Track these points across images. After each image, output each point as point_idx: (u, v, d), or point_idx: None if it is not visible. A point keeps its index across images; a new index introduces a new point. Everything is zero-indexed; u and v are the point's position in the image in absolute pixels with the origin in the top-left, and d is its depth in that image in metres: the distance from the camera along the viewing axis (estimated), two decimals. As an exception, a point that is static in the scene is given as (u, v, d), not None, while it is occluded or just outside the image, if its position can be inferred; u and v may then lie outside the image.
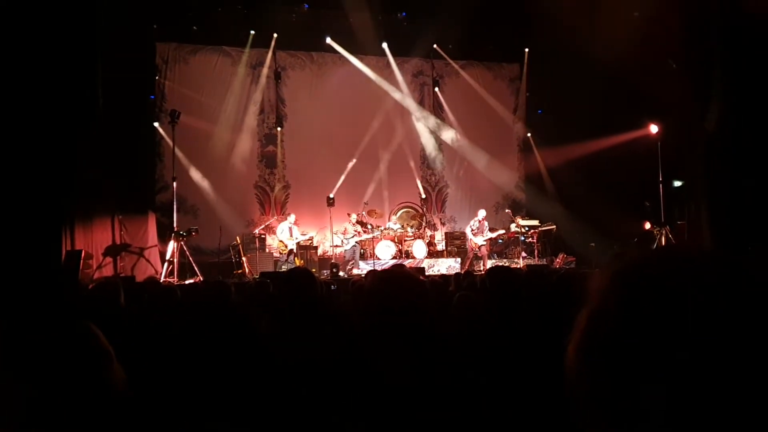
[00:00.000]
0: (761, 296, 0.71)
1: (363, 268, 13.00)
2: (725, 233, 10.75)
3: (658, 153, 12.28)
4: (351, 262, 13.78)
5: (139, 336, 3.21)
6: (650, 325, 0.71)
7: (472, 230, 14.08)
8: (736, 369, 0.68)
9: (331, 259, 13.92)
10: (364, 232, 13.81)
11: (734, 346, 0.68)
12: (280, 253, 13.34)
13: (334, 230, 14.27)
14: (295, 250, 13.33)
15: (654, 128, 12.56)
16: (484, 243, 14.00)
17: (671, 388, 0.69)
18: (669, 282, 0.73)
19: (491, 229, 14.32)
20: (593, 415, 0.75)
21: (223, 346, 1.71)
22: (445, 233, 15.61)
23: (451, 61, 16.55)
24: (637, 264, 0.78)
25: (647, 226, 12.86)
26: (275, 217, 14.66)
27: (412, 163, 16.42)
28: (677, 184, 12.68)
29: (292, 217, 13.82)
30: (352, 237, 13.66)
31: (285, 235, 13.42)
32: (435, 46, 16.14)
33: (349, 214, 14.19)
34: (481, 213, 14.33)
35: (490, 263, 14.19)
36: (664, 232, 12.10)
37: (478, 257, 14.11)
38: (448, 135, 16.72)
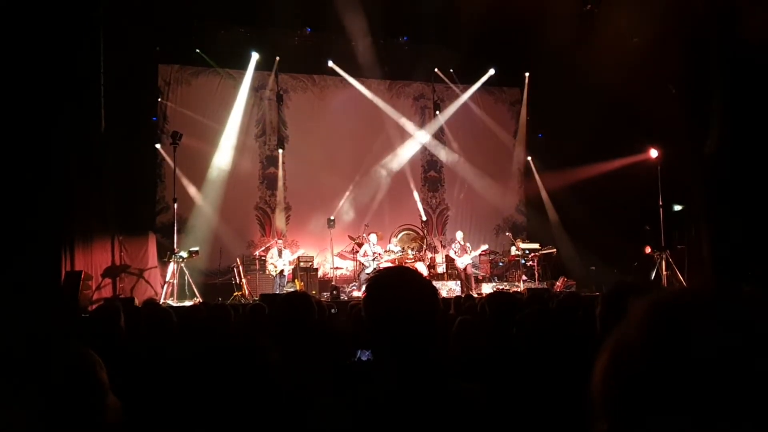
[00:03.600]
0: None
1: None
2: (725, 257, 10.74)
3: (658, 177, 12.29)
4: (353, 284, 13.73)
5: (138, 360, 3.20)
6: (675, 361, 0.73)
7: (456, 252, 14.05)
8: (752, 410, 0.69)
9: (332, 281, 13.88)
10: (375, 255, 13.66)
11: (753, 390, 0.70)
12: (270, 275, 13.31)
13: (337, 251, 14.28)
14: (285, 272, 13.25)
15: (654, 152, 12.59)
16: (470, 262, 13.97)
17: (684, 420, 0.71)
18: (698, 325, 0.75)
19: (475, 248, 14.29)
20: (610, 425, 0.79)
21: (221, 372, 1.70)
22: (446, 256, 15.59)
23: (451, 85, 16.65)
24: (668, 303, 0.80)
25: (647, 250, 12.84)
26: (276, 239, 14.65)
27: (412, 186, 16.44)
28: (677, 208, 12.69)
29: (280, 242, 13.80)
30: (373, 260, 13.54)
31: (275, 259, 13.36)
32: (436, 69, 16.25)
33: (352, 237, 14.17)
34: (459, 235, 14.36)
35: (490, 286, 14.18)
36: (664, 256, 12.09)
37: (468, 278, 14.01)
38: (449, 156, 16.77)
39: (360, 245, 14.01)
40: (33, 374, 1.43)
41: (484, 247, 14.71)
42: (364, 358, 3.97)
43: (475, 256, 14.95)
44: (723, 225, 10.90)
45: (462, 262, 13.93)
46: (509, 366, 3.04)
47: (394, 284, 1.73)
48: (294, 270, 13.45)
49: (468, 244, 14.20)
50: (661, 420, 0.72)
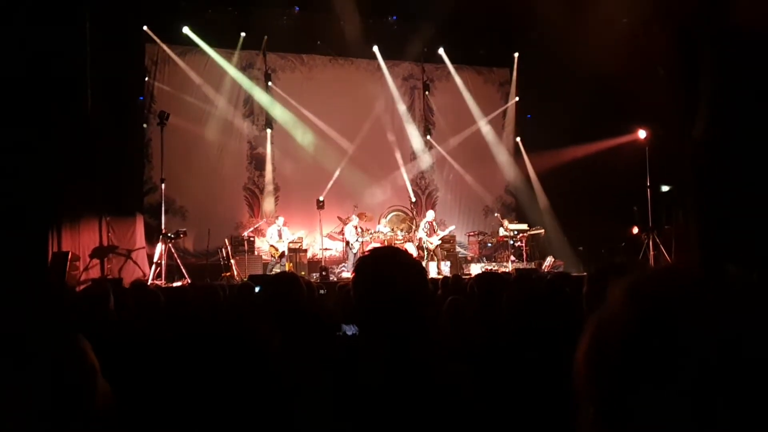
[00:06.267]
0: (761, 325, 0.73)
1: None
2: (712, 238, 10.83)
3: (646, 158, 12.35)
4: (342, 265, 13.78)
5: (127, 341, 3.19)
6: (654, 342, 0.73)
7: (426, 232, 14.05)
8: (734, 387, 0.70)
9: (321, 262, 13.90)
10: (358, 235, 13.74)
11: (734, 368, 0.70)
12: (272, 257, 13.29)
13: (326, 232, 14.29)
14: (286, 252, 13.26)
15: (642, 133, 12.63)
16: (439, 243, 13.99)
17: (665, 401, 0.71)
18: (677, 304, 0.75)
19: (442, 228, 14.32)
20: (595, 415, 0.79)
21: (219, 359, 1.70)
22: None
23: (441, 65, 16.58)
24: (647, 282, 0.80)
25: (635, 230, 12.93)
26: (264, 220, 14.61)
27: (402, 167, 16.42)
28: (665, 189, 12.75)
29: (280, 220, 13.73)
30: (357, 240, 13.60)
31: (275, 239, 13.36)
32: (425, 49, 16.17)
33: (341, 218, 14.18)
34: (430, 214, 14.37)
35: (479, 267, 14.25)
36: (651, 236, 12.17)
37: (433, 259, 13.99)
38: (438, 137, 16.75)
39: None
40: (19, 357, 1.42)
41: (452, 228, 14.77)
42: (349, 333, 3.98)
43: (454, 230, 15.04)
44: (710, 206, 10.97)
45: (434, 241, 13.91)
46: (498, 346, 3.06)
47: (383, 265, 1.73)
48: (282, 251, 13.45)
49: (435, 223, 14.21)
50: (645, 401, 0.73)
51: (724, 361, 0.70)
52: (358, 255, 13.33)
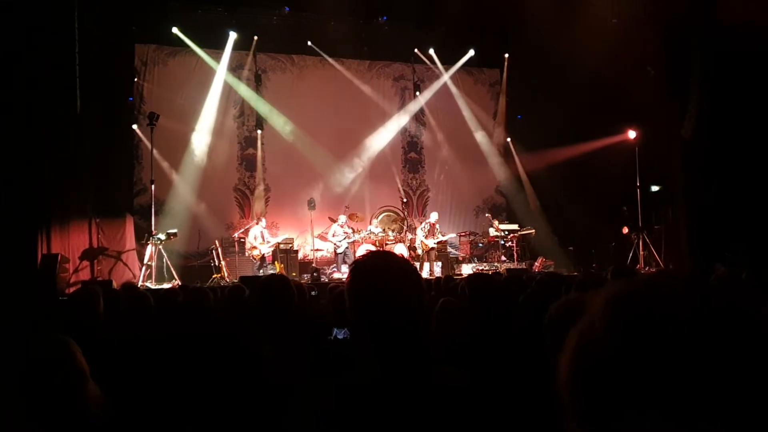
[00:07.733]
0: (742, 335, 0.72)
1: (344, 272, 12.87)
2: (701, 237, 10.88)
3: (636, 158, 12.41)
4: (333, 266, 13.74)
5: (116, 344, 3.17)
6: (631, 352, 0.73)
7: (425, 233, 13.94)
8: (709, 397, 0.69)
9: (312, 263, 13.86)
10: (346, 235, 13.70)
11: (710, 377, 0.70)
12: (254, 259, 13.22)
13: (317, 232, 14.25)
14: (266, 255, 13.18)
15: (632, 134, 12.70)
16: (435, 246, 13.92)
17: (642, 410, 0.71)
18: (653, 315, 0.75)
19: (442, 233, 14.19)
20: (578, 423, 0.78)
21: (201, 356, 1.69)
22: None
23: (431, 66, 16.59)
24: (626, 294, 0.79)
25: (625, 230, 12.98)
26: (255, 221, 14.57)
27: (393, 167, 16.42)
28: (655, 189, 12.81)
29: (263, 222, 13.67)
30: (344, 239, 13.55)
31: (258, 241, 13.27)
32: (416, 50, 16.17)
33: (332, 219, 14.14)
34: (434, 216, 14.24)
35: (470, 267, 14.25)
36: (641, 236, 12.23)
37: (427, 260, 13.88)
38: (429, 137, 16.78)
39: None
40: (8, 361, 1.41)
41: (452, 235, 14.78)
42: (340, 337, 3.96)
43: (454, 238, 15.07)
44: (700, 205, 11.03)
45: (429, 243, 13.77)
46: (490, 347, 3.06)
47: (379, 272, 1.70)
48: (274, 252, 13.39)
49: (438, 227, 14.08)
50: (628, 415, 0.72)
51: (709, 374, 0.70)
52: (345, 254, 13.33)
